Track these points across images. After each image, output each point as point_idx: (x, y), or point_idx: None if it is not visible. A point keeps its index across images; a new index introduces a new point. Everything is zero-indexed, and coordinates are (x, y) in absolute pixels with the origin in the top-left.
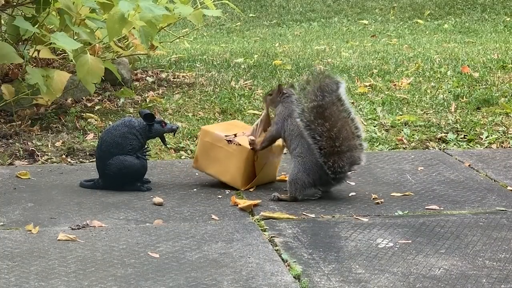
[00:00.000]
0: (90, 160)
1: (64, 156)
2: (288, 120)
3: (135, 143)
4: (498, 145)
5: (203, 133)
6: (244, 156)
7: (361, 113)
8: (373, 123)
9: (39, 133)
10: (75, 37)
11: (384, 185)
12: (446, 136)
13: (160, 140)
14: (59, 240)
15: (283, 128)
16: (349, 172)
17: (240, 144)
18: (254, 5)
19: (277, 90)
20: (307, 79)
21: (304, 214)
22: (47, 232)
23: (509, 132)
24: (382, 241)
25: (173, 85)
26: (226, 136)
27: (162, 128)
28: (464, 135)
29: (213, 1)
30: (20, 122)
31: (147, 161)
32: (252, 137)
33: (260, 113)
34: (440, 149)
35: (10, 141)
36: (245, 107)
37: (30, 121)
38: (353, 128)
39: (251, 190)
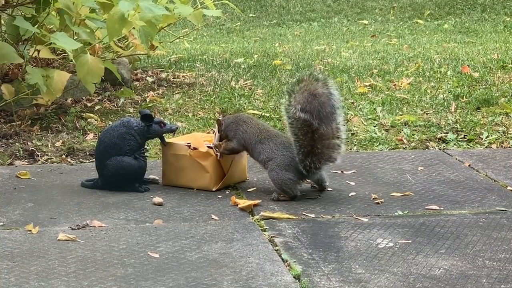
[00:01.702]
0: (90, 160)
1: (64, 156)
2: (240, 130)
3: (133, 143)
4: (498, 145)
5: (166, 146)
6: (209, 159)
7: (361, 113)
8: (373, 123)
9: (39, 133)
10: (75, 37)
11: (384, 185)
12: (446, 136)
13: (159, 140)
14: (59, 240)
15: (243, 139)
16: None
17: (196, 148)
18: (254, 5)
19: (218, 126)
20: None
21: (304, 214)
22: (47, 232)
23: (509, 132)
24: (382, 241)
25: (173, 85)
26: (187, 143)
27: (161, 129)
28: (464, 135)
29: (213, 1)
30: (20, 122)
31: (147, 161)
32: (216, 142)
33: (260, 113)
34: (440, 149)
35: (10, 141)
36: (245, 107)
37: (30, 121)
38: (334, 129)
39: (250, 190)
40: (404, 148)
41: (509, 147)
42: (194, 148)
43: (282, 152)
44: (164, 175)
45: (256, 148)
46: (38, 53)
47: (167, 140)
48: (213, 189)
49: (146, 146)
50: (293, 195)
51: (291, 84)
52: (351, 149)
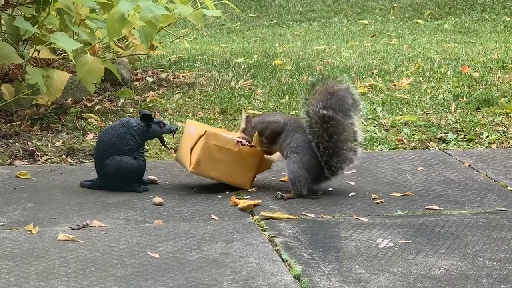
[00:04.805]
0: (90, 160)
1: (64, 156)
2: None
3: (132, 143)
4: (498, 145)
5: (210, 136)
6: (257, 158)
7: (361, 113)
8: (373, 123)
9: (39, 133)
10: (75, 37)
11: (384, 185)
12: (446, 136)
13: (159, 140)
14: (59, 240)
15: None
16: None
17: (253, 146)
18: (254, 5)
19: (246, 122)
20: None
21: (304, 214)
22: (47, 232)
23: (509, 132)
24: (382, 241)
25: (173, 85)
26: (237, 139)
27: (161, 129)
28: (464, 135)
29: (213, 1)
30: (20, 122)
31: (146, 161)
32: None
33: (260, 113)
34: (440, 149)
35: (10, 141)
36: (245, 107)
37: (30, 121)
38: (351, 132)
39: (249, 190)
40: (404, 148)
41: (509, 147)
42: (243, 145)
43: (311, 153)
44: (198, 164)
45: (290, 135)
46: (38, 53)
47: (211, 129)
48: (248, 189)
49: (146, 146)
50: (299, 193)
51: (306, 90)
52: None
